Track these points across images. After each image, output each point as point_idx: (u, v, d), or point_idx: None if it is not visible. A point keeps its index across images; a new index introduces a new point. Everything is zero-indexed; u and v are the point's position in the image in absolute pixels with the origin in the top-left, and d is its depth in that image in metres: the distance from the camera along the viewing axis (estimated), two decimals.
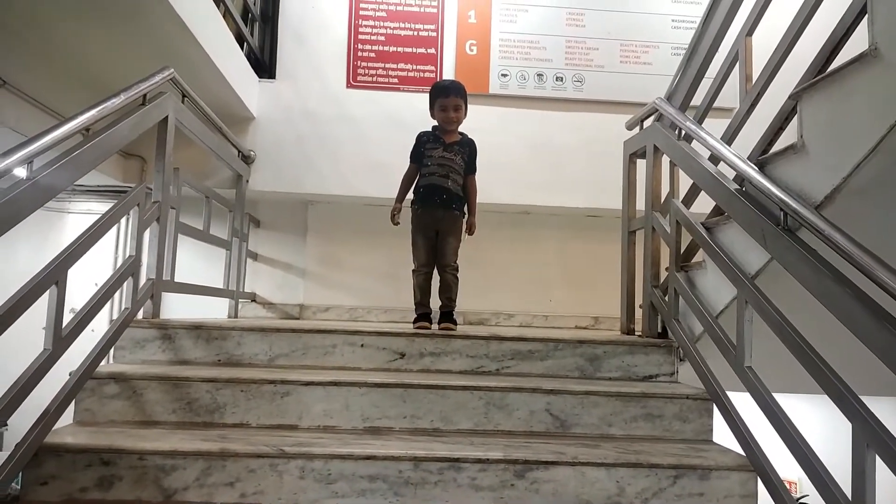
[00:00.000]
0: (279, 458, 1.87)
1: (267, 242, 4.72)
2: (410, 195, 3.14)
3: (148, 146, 2.95)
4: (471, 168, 3.11)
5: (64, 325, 1.89)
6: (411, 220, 3.06)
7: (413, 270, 3.05)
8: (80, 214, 4.69)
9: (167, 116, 2.66)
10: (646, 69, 4.56)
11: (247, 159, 4.17)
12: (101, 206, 4.61)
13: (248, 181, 4.18)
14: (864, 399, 1.53)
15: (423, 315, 2.93)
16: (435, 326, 2.87)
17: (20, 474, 1.81)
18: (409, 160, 3.15)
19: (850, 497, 1.50)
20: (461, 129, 3.16)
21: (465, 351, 2.56)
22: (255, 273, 4.61)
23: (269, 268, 4.70)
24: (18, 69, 3.18)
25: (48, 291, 1.83)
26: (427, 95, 3.15)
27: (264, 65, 4.41)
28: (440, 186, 2.98)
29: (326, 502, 1.86)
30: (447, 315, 2.96)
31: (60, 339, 1.87)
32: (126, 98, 2.31)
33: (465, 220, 3.09)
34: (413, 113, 4.23)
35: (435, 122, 3.12)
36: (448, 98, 3.01)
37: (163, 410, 2.16)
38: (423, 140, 3.10)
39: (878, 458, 1.44)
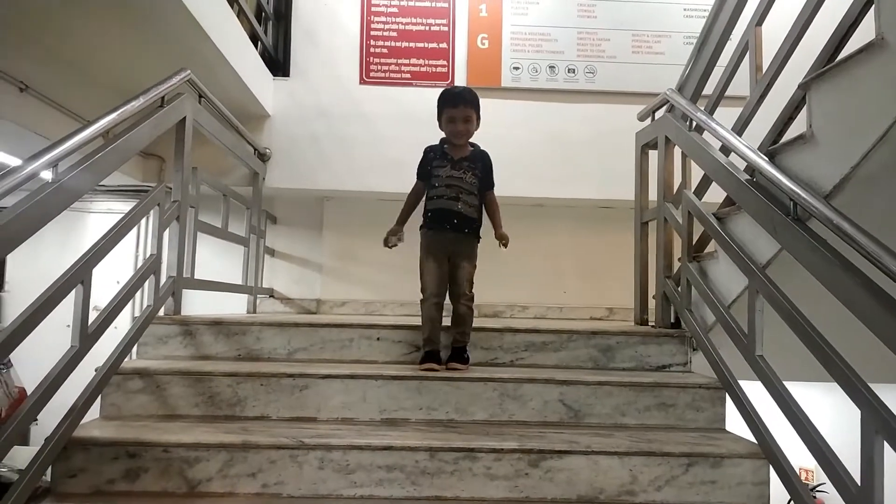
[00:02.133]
0: (299, 450, 1.92)
1: (284, 238, 4.80)
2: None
3: (166, 146, 3.02)
4: (487, 184, 2.74)
5: (90, 322, 1.95)
6: (420, 244, 2.70)
7: (421, 301, 2.62)
8: (101, 214, 4.78)
9: (185, 117, 2.72)
10: (658, 59, 4.55)
11: (263, 157, 4.23)
12: (121, 206, 4.70)
13: (264, 178, 4.24)
14: (874, 387, 1.54)
15: (430, 353, 2.51)
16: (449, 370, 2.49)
17: (50, 468, 1.88)
18: (416, 175, 2.79)
19: (859, 483, 1.52)
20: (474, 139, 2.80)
21: (480, 343, 2.60)
22: (273, 269, 4.69)
23: (286, 263, 4.77)
24: (38, 73, 3.25)
25: (74, 290, 1.89)
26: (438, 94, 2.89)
27: (278, 63, 4.46)
28: (450, 210, 2.62)
29: (345, 492, 1.91)
30: (458, 351, 2.55)
31: (87, 335, 1.93)
32: (145, 101, 2.36)
33: (479, 243, 2.73)
34: (426, 108, 4.19)
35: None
36: (457, 108, 2.66)
37: (186, 404, 2.22)
38: (429, 157, 2.74)
39: (886, 445, 1.46)
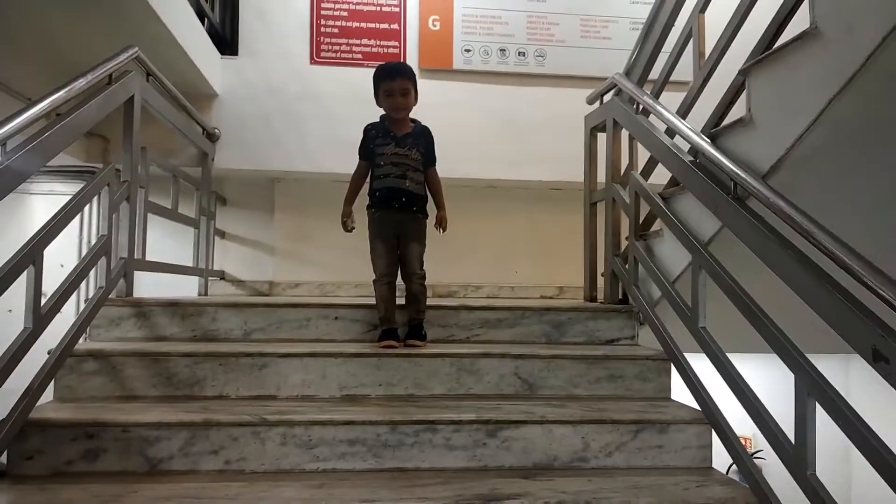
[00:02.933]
0: (261, 426, 1.94)
1: (234, 220, 4.73)
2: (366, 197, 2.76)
3: (110, 125, 2.94)
4: (430, 160, 2.76)
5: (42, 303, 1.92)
6: (368, 226, 2.71)
7: (374, 280, 2.64)
8: (43, 195, 4.61)
9: (133, 95, 2.67)
10: (606, 44, 4.65)
11: (211, 137, 4.16)
12: (63, 187, 4.54)
13: (213, 159, 4.17)
14: (811, 357, 1.66)
15: (388, 332, 2.54)
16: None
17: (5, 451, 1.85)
18: (358, 155, 2.76)
19: (793, 441, 1.64)
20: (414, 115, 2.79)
21: (436, 320, 2.66)
22: (224, 251, 4.63)
23: (236, 245, 4.72)
24: None
25: (26, 271, 1.85)
26: None
27: (226, 41, 4.38)
28: (398, 189, 2.63)
29: (308, 466, 1.94)
30: (415, 329, 2.61)
31: (40, 316, 1.90)
32: (93, 78, 2.31)
33: (427, 221, 2.76)
34: None
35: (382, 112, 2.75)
36: (394, 81, 2.62)
37: (143, 385, 2.21)
38: (371, 135, 2.71)
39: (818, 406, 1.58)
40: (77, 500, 1.69)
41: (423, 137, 2.74)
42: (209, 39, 4.05)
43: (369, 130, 2.74)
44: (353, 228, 2.74)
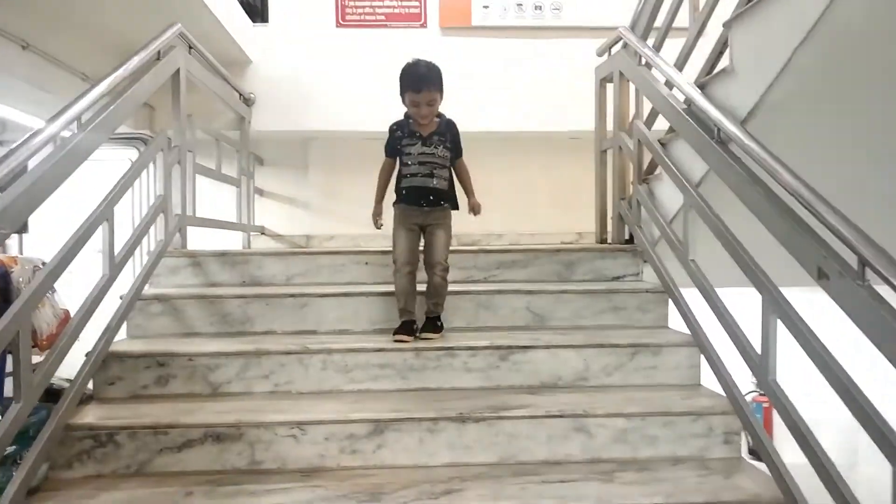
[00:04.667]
0: (304, 354, 2.27)
1: (271, 179, 5.08)
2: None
3: (155, 95, 3.21)
4: (457, 152, 2.68)
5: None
6: (394, 217, 2.66)
7: (394, 272, 2.57)
8: (95, 161, 4.96)
9: (178, 69, 2.95)
10: None
11: (247, 101, 4.45)
12: (114, 153, 4.89)
13: (250, 122, 4.47)
14: (783, 290, 1.88)
15: (404, 325, 2.49)
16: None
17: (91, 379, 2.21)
18: (384, 152, 2.68)
19: (759, 352, 1.90)
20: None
21: (457, 263, 2.91)
22: (262, 208, 4.96)
23: (274, 202, 5.07)
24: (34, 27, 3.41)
25: (101, 227, 2.18)
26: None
27: (256, 9, 4.64)
28: (425, 188, 2.58)
29: (346, 387, 2.27)
30: (432, 321, 2.55)
31: (115, 265, 2.24)
32: (145, 55, 2.60)
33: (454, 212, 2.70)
34: (400, 49, 4.47)
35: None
36: (420, 94, 2.50)
37: (202, 323, 2.56)
38: (397, 135, 2.63)
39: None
40: (155, 414, 2.05)
41: (448, 133, 2.64)
42: (241, 9, 4.30)
43: (395, 130, 2.65)
44: (382, 225, 2.72)
